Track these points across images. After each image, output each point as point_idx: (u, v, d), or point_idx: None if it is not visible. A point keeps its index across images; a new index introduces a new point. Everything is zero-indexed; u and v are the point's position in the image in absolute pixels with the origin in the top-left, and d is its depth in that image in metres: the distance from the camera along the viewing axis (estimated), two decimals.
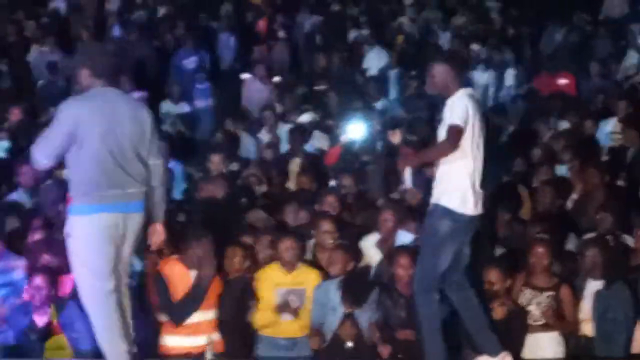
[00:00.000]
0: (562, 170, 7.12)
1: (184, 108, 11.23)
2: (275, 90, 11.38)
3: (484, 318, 4.53)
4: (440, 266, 4.32)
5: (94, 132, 3.96)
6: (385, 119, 9.67)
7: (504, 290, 5.08)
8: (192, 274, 5.11)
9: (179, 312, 5.03)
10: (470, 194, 4.25)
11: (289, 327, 5.29)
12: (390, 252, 5.46)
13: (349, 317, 5.12)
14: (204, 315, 5.08)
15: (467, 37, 12.42)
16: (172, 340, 5.11)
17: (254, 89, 11.52)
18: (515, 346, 4.79)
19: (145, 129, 4.16)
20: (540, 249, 5.14)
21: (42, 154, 4.08)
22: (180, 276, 5.12)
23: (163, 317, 5.10)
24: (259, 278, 5.35)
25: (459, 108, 4.18)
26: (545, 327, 5.06)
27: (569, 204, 6.70)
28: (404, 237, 5.61)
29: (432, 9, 13.83)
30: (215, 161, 7.57)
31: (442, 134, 4.25)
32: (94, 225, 3.98)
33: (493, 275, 5.03)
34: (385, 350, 4.96)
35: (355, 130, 8.82)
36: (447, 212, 4.25)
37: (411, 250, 5.03)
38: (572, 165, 7.03)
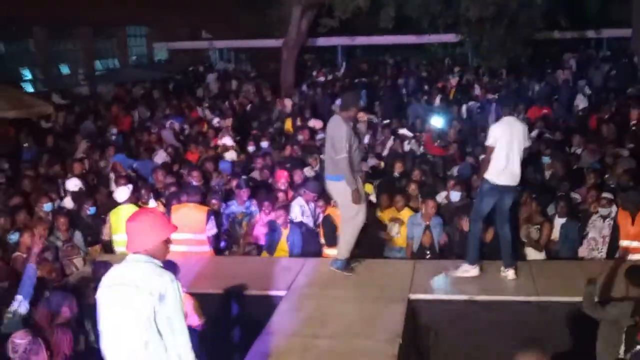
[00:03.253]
0: (545, 159, 10.96)
1: None
2: None
3: (509, 238, 7.44)
4: (484, 208, 7.50)
5: None
6: None
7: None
8: None
9: None
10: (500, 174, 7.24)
11: (397, 241, 9.07)
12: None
13: (427, 228, 8.78)
14: None
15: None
16: None
17: None
18: None
19: None
20: (533, 205, 8.75)
21: None
22: None
23: None
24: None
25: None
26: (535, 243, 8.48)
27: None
28: (454, 196, 9.42)
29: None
30: None
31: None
32: None
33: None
34: (465, 224, 8.25)
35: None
36: (486, 181, 7.33)
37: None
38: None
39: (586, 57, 25.27)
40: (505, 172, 7.19)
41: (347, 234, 7.63)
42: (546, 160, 10.83)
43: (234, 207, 9.49)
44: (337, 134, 7.28)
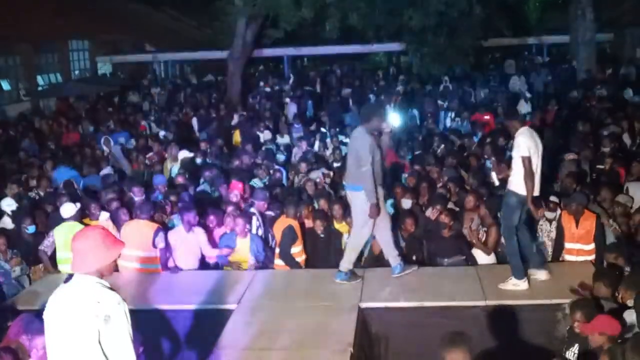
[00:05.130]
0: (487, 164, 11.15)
1: None
2: None
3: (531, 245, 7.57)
4: (514, 222, 7.26)
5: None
6: None
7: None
8: None
9: None
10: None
11: None
12: None
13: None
14: None
15: None
16: None
17: None
18: None
19: None
20: (482, 208, 8.85)
21: None
22: None
23: None
24: None
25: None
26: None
27: None
28: (406, 204, 9.34)
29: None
30: None
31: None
32: None
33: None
34: (410, 226, 8.50)
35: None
36: (515, 194, 7.16)
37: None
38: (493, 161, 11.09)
39: (527, 63, 25.84)
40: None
41: (351, 245, 7.73)
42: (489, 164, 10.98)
43: (176, 221, 9.28)
44: (360, 145, 7.34)
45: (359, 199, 7.42)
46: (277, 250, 8.62)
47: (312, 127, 16.58)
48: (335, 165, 12.33)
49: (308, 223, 9.05)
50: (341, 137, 14.10)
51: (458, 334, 4.81)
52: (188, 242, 8.66)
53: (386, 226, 7.74)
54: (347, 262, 7.72)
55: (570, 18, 22.83)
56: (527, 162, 6.95)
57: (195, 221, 8.80)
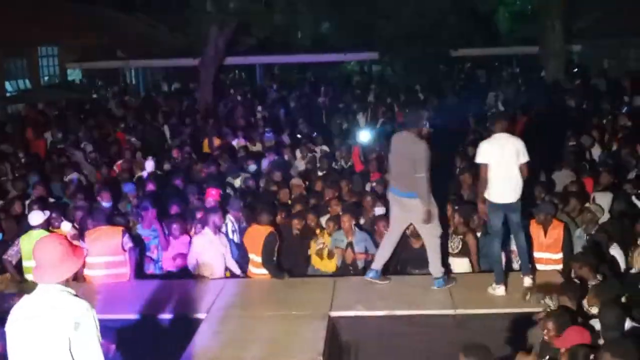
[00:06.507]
0: None
1: None
2: None
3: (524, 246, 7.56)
4: (493, 226, 7.57)
5: None
6: None
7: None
8: None
9: None
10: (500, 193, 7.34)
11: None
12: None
13: (350, 244, 8.48)
14: None
15: None
16: None
17: None
18: None
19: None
20: (456, 217, 8.76)
21: None
22: None
23: None
24: None
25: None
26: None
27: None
28: (379, 211, 9.39)
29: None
30: None
31: None
32: None
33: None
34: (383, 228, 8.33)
35: None
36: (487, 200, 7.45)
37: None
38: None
39: (498, 73, 26.17)
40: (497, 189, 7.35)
41: (432, 250, 7.66)
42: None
43: (140, 230, 9.12)
44: (417, 152, 7.27)
45: (416, 206, 7.41)
46: (255, 258, 8.35)
47: (285, 135, 16.55)
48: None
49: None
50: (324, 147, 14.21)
51: (475, 345, 4.99)
52: (216, 246, 8.57)
53: (438, 232, 7.67)
54: (438, 268, 7.66)
55: (540, 29, 23.13)
56: (482, 168, 7.38)
57: (221, 222, 8.74)
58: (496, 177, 7.33)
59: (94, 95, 27.05)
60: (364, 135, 14.68)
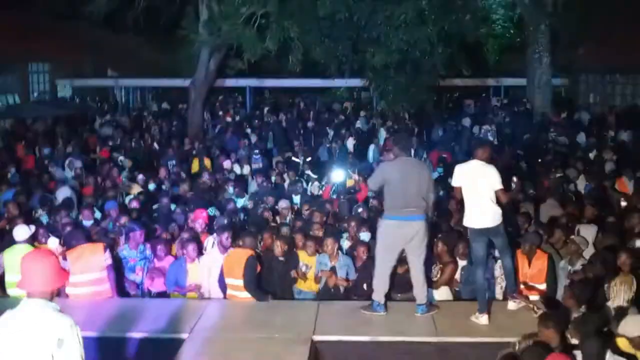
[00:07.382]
0: None
1: None
2: None
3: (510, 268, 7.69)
4: (475, 253, 7.60)
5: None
6: None
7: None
8: None
9: None
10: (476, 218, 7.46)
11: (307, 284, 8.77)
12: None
13: (333, 269, 8.57)
14: None
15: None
16: None
17: None
18: None
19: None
20: (440, 245, 8.99)
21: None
22: None
23: None
24: None
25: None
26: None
27: None
28: (364, 236, 9.43)
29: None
30: None
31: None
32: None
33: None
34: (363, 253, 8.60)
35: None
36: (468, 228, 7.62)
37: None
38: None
39: (485, 104, 26.40)
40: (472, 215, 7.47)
41: (421, 273, 7.71)
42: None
43: (126, 251, 9.03)
44: (428, 173, 7.89)
45: (423, 227, 7.52)
46: (233, 282, 8.31)
47: (275, 159, 16.61)
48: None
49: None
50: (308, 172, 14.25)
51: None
52: (202, 267, 8.59)
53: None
54: (423, 294, 7.70)
55: (528, 61, 23.41)
56: (456, 189, 7.64)
57: (229, 243, 8.70)
58: (469, 202, 7.48)
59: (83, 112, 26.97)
60: (338, 176, 14.43)
